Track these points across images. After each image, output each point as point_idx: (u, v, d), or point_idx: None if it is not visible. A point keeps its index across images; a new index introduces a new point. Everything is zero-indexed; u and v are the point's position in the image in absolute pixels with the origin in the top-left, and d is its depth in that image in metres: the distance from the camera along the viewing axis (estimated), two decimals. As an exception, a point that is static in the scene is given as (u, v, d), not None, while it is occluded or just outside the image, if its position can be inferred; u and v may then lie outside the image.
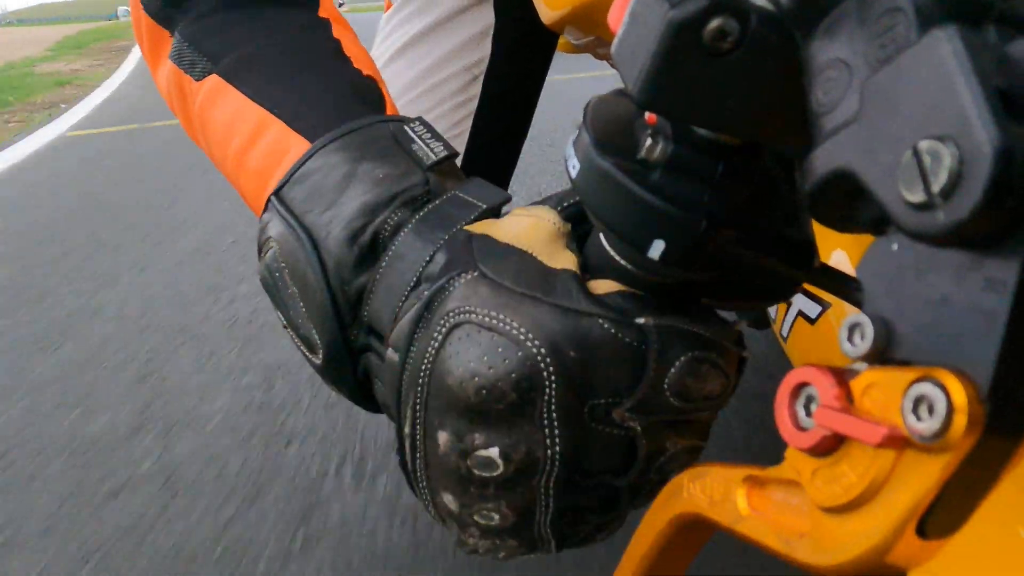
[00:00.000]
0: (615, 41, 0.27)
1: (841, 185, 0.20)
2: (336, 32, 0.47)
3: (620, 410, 0.31)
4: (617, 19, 0.26)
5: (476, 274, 0.32)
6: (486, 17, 0.81)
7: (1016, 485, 0.17)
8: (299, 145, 0.40)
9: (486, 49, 0.82)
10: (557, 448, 0.31)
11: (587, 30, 0.51)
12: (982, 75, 0.16)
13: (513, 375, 0.29)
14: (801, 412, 0.22)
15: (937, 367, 0.18)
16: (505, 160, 0.88)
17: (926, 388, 0.18)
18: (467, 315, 0.31)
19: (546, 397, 0.30)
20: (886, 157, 0.18)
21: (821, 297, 0.42)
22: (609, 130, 0.30)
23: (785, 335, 0.45)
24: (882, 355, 0.20)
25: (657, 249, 0.29)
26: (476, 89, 0.83)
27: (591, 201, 0.29)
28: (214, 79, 0.43)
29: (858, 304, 0.27)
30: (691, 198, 0.28)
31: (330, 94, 0.42)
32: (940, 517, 0.18)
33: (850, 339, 0.21)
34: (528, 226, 0.34)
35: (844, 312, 0.42)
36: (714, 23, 0.23)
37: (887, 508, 0.19)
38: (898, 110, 0.18)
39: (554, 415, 0.30)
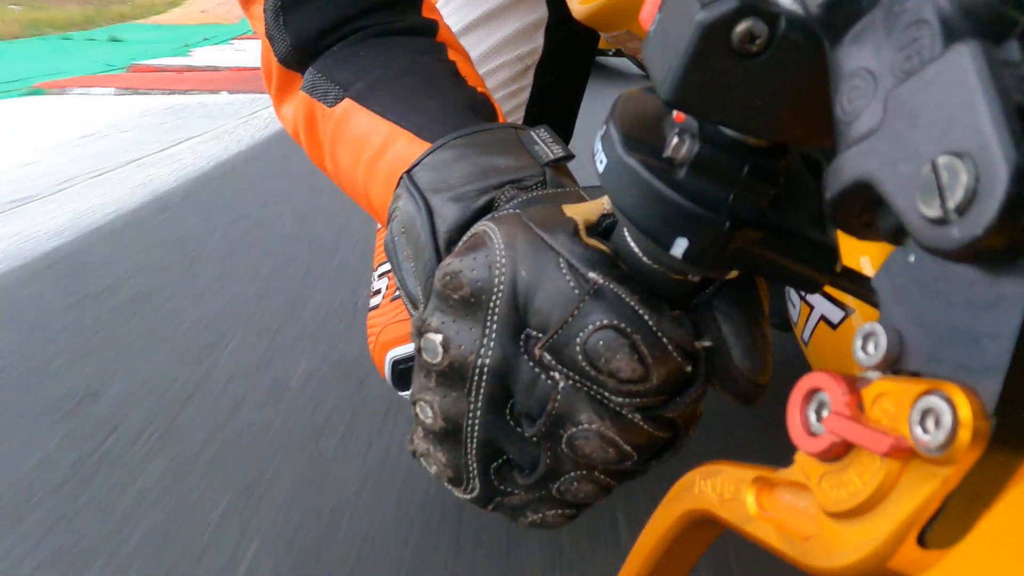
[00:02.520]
0: (645, 40, 0.27)
1: (862, 194, 0.20)
2: (451, 55, 0.52)
3: (539, 345, 0.32)
4: (648, 18, 0.27)
5: (514, 211, 0.36)
6: (539, 9, 0.83)
7: (1018, 501, 0.18)
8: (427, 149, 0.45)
9: (539, 41, 0.84)
10: (488, 359, 0.33)
11: (615, 26, 0.51)
12: (1003, 93, 0.16)
13: (473, 272, 0.33)
14: (812, 417, 0.22)
15: (945, 380, 0.18)
16: None
17: (934, 401, 0.18)
18: (479, 227, 0.36)
19: (492, 303, 0.33)
20: (906, 169, 0.18)
21: (844, 303, 0.42)
22: (636, 127, 0.30)
23: (806, 339, 0.45)
24: (894, 365, 0.20)
25: (680, 247, 0.29)
26: (528, 79, 0.85)
27: (617, 196, 0.30)
28: (347, 102, 0.48)
29: (879, 307, 0.27)
30: (716, 198, 0.28)
31: (451, 108, 0.47)
32: (942, 528, 0.18)
33: (864, 348, 0.21)
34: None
35: (869, 316, 0.41)
36: (743, 25, 0.23)
37: (890, 516, 0.19)
38: (919, 123, 0.18)
39: (495, 323, 0.33)
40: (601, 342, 0.31)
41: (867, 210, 0.22)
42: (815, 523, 0.22)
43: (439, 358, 0.34)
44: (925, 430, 0.18)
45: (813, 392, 0.22)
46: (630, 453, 0.33)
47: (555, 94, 0.87)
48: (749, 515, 0.24)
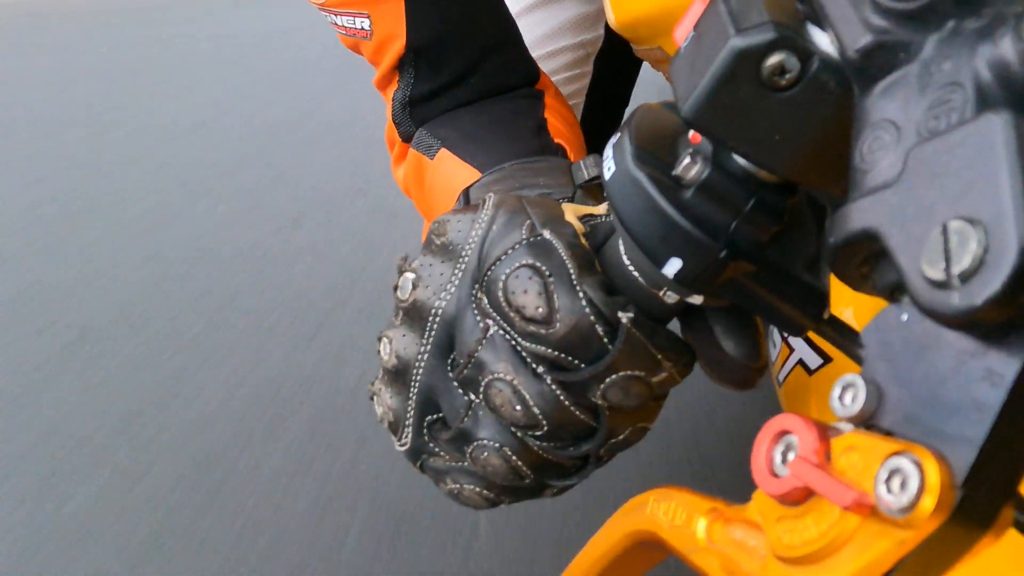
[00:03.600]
0: (675, 55, 0.27)
1: (867, 245, 0.20)
2: (548, 102, 0.58)
3: (477, 285, 0.35)
4: (683, 34, 0.26)
5: (518, 192, 0.41)
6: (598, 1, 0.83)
7: (970, 576, 0.18)
8: None
9: (600, 30, 0.85)
10: (444, 304, 0.36)
11: (649, 41, 0.51)
12: None
13: (458, 223, 0.36)
14: (778, 458, 0.22)
15: (918, 444, 0.18)
16: (600, 146, 0.92)
17: (903, 463, 0.18)
18: (484, 195, 0.39)
19: (464, 253, 0.36)
20: (916, 228, 0.18)
21: (824, 350, 0.42)
22: (650, 140, 0.30)
23: (781, 380, 0.45)
24: (868, 420, 0.20)
25: (673, 267, 0.29)
26: (588, 67, 0.86)
27: (619, 206, 0.29)
28: (443, 151, 0.55)
29: (860, 362, 0.27)
30: (717, 224, 0.28)
31: (519, 152, 0.52)
32: (889, 591, 0.18)
33: (841, 398, 0.21)
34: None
35: (846, 368, 0.41)
36: (776, 58, 0.23)
37: (839, 569, 0.19)
38: (937, 184, 0.18)
39: (460, 273, 0.35)
40: (518, 277, 0.33)
41: (868, 262, 0.21)
42: (762, 565, 0.22)
43: (407, 295, 0.37)
44: (890, 490, 0.18)
45: (783, 434, 0.22)
46: (538, 419, 0.34)
47: (609, 88, 0.89)
48: (697, 545, 0.24)
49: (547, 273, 0.33)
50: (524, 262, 0.33)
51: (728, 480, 0.89)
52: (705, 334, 0.34)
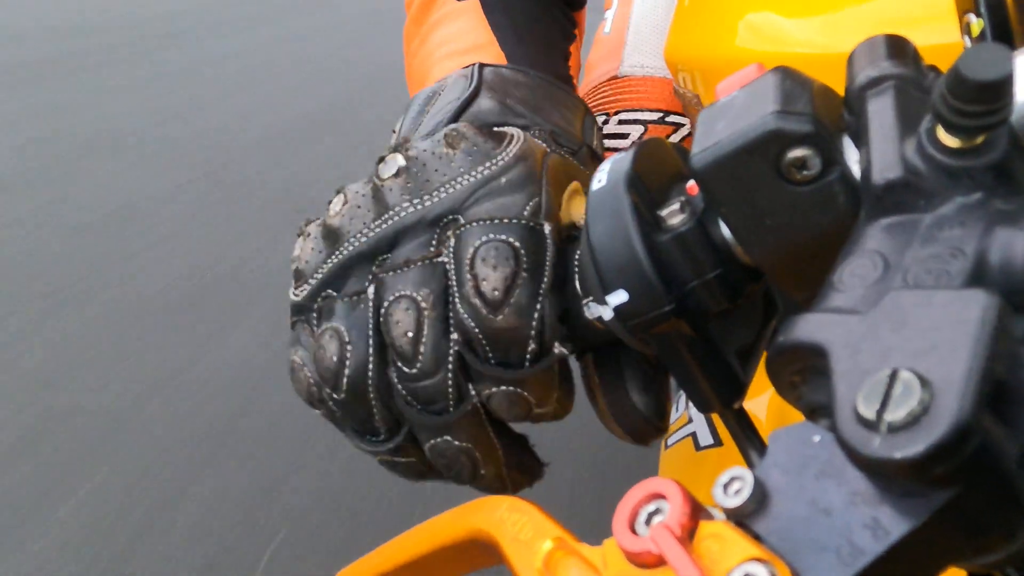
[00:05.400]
0: (710, 106, 0.26)
1: (810, 358, 0.20)
2: (573, 44, 0.56)
3: (452, 221, 0.33)
4: (727, 90, 0.26)
5: (547, 148, 0.39)
6: None
7: None
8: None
9: None
10: (411, 210, 0.34)
11: (688, 84, 0.51)
12: (992, 355, 0.16)
13: (475, 148, 0.34)
14: (643, 517, 0.22)
15: (781, 560, 0.18)
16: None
17: (760, 571, 0.18)
18: (514, 131, 0.37)
19: (459, 181, 0.34)
20: (866, 362, 0.18)
21: (719, 434, 0.43)
22: (649, 171, 0.29)
23: (669, 443, 0.45)
24: (743, 519, 0.20)
25: (618, 298, 0.28)
26: None
27: (593, 221, 0.29)
28: (475, 2, 0.51)
29: (748, 463, 0.27)
30: (677, 278, 0.28)
31: (549, 64, 0.50)
32: None
33: (726, 487, 0.21)
34: None
35: (732, 460, 0.42)
36: (802, 151, 0.23)
37: (658, 645, 0.19)
38: (904, 331, 0.18)
39: (443, 196, 0.34)
40: (496, 249, 0.32)
41: (802, 373, 0.22)
42: (586, 609, 0.22)
43: (387, 176, 0.35)
44: (737, 591, 0.18)
45: (657, 496, 0.22)
46: (416, 358, 0.32)
47: None
48: (532, 566, 0.24)
49: (524, 265, 0.32)
50: (510, 240, 0.32)
51: (588, 516, 0.90)
52: (614, 377, 0.34)
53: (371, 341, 0.33)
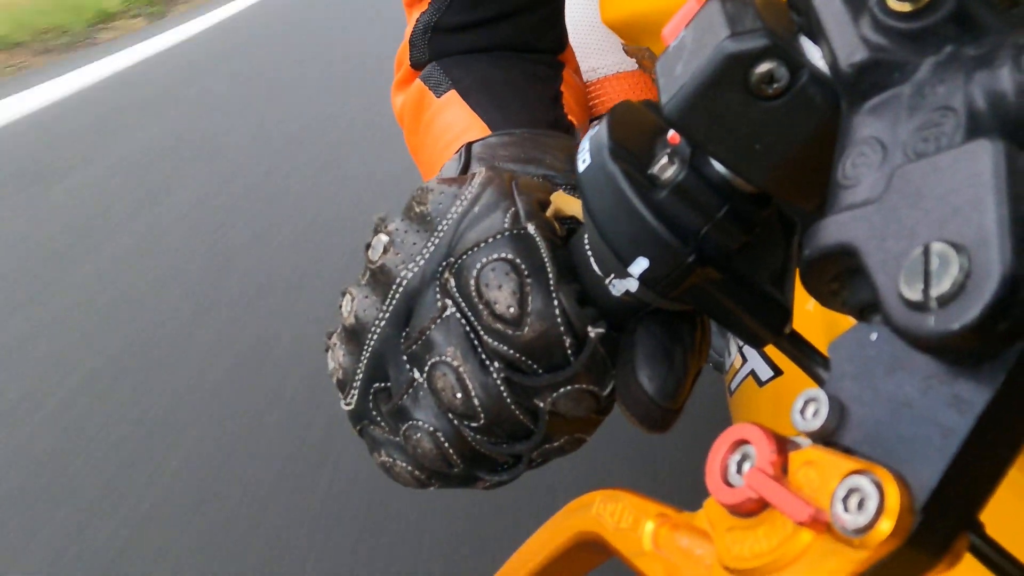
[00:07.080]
0: (663, 53, 0.26)
1: (842, 260, 0.20)
2: (565, 76, 0.57)
3: (448, 265, 0.34)
4: (672, 33, 0.26)
5: (511, 168, 0.41)
6: None
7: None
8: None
9: None
10: (410, 275, 0.35)
11: (638, 40, 0.50)
12: (1015, 198, 0.16)
13: (440, 195, 0.36)
14: (733, 468, 0.21)
15: (880, 465, 0.18)
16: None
17: (862, 482, 0.18)
18: (474, 168, 0.41)
19: (440, 228, 0.35)
20: (896, 246, 0.18)
21: (776, 363, 0.42)
22: (628, 136, 0.29)
23: (732, 389, 0.45)
24: (829, 437, 0.20)
25: (639, 266, 0.28)
26: None
27: (590, 200, 0.29)
28: (452, 93, 0.53)
29: (817, 381, 0.27)
30: (688, 228, 0.27)
31: (533, 119, 0.51)
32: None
33: (802, 412, 0.20)
34: None
35: (795, 383, 0.42)
36: (766, 66, 0.23)
37: (787, 586, 0.19)
38: (921, 205, 0.18)
39: (433, 247, 0.35)
40: (494, 270, 0.32)
41: (840, 278, 0.21)
42: (707, 574, 0.22)
43: (377, 257, 0.36)
44: (847, 509, 0.18)
45: (740, 443, 0.21)
46: (476, 411, 0.33)
47: None
48: (642, 549, 0.24)
49: (525, 273, 0.32)
50: (503, 255, 0.32)
51: (678, 485, 0.90)
52: (625, 360, 0.33)
53: (449, 416, 0.34)
